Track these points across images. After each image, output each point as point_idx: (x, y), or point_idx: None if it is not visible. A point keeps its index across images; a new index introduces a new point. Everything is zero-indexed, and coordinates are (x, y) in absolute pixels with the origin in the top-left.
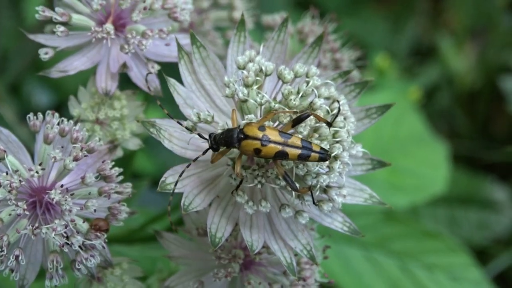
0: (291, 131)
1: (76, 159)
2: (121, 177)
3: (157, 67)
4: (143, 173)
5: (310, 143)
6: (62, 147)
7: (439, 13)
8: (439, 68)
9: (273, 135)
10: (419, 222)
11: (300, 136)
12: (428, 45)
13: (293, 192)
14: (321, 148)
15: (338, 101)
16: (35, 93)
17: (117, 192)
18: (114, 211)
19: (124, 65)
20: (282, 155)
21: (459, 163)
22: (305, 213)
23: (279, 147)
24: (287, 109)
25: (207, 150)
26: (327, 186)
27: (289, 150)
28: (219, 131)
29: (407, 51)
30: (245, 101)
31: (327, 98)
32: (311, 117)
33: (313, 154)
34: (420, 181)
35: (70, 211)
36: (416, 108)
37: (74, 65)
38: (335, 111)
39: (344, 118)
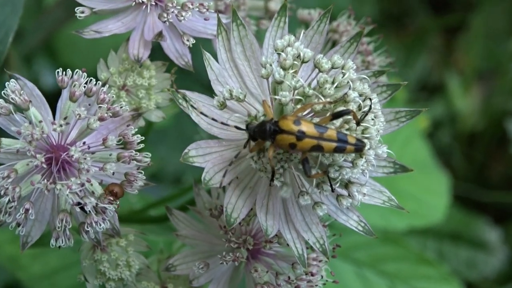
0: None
1: (101, 119)
2: (141, 145)
3: (192, 41)
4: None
5: (346, 135)
6: (89, 104)
7: (450, 51)
8: (444, 105)
9: (309, 129)
10: (414, 246)
11: (334, 127)
12: (436, 81)
13: (314, 180)
14: (357, 139)
15: (370, 99)
16: (43, 74)
17: (135, 160)
18: (131, 178)
19: (160, 34)
20: (318, 149)
21: (453, 201)
22: (324, 205)
23: (315, 141)
24: (321, 96)
25: (247, 141)
26: (349, 181)
27: (324, 143)
28: (255, 123)
29: (415, 85)
30: (281, 82)
31: (360, 94)
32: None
33: (348, 146)
34: (421, 206)
35: (88, 170)
36: (423, 136)
37: (109, 27)
38: (366, 108)
39: (375, 117)
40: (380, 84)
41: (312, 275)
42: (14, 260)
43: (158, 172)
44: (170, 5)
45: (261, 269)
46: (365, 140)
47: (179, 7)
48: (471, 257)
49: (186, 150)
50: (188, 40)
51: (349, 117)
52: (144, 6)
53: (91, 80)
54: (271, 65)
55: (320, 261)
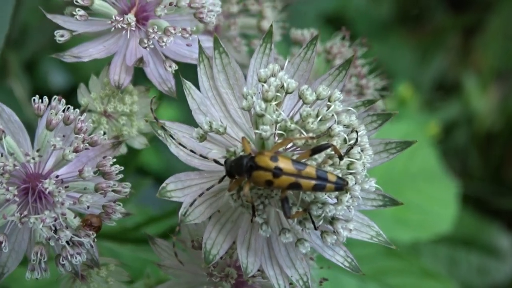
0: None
1: (76, 150)
2: (120, 176)
3: (174, 67)
4: (148, 168)
5: (326, 172)
6: (63, 136)
7: (468, 50)
8: (460, 105)
9: (286, 165)
10: (419, 260)
11: (315, 165)
12: (452, 81)
13: (294, 218)
14: (338, 177)
15: (356, 132)
16: (51, 72)
17: (114, 191)
18: (109, 210)
19: (141, 60)
20: (296, 187)
21: (467, 204)
22: (307, 242)
23: (293, 179)
24: (303, 131)
25: (223, 177)
26: (333, 217)
27: (303, 181)
28: (232, 158)
29: (431, 84)
30: (262, 116)
31: (346, 126)
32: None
33: (328, 185)
34: (427, 218)
35: (62, 203)
36: (432, 143)
37: (89, 51)
38: (352, 142)
39: (362, 150)
40: (370, 114)
41: None
42: None
43: (163, 174)
44: (151, 30)
45: None
46: (350, 176)
47: (160, 32)
48: (482, 263)
49: (163, 184)
50: (170, 66)
51: (332, 152)
52: (124, 31)
53: (68, 108)
54: (252, 96)
55: None
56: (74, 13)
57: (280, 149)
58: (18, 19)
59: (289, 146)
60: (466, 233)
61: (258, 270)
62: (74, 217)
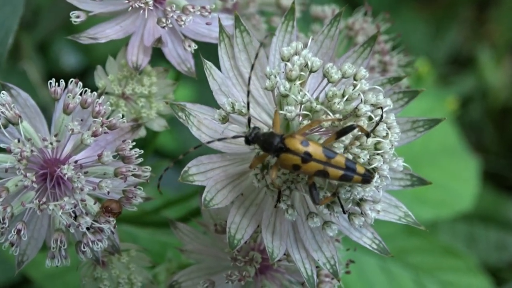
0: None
1: (95, 134)
2: (140, 159)
3: (194, 46)
4: (163, 150)
5: (355, 163)
6: (81, 120)
7: (482, 23)
8: (475, 79)
9: (316, 152)
10: (438, 237)
11: (342, 147)
12: (467, 54)
13: (323, 204)
14: (366, 170)
15: (381, 108)
16: (64, 53)
17: (134, 175)
18: (129, 195)
19: (159, 40)
20: (322, 174)
21: (484, 179)
22: (334, 225)
23: (321, 166)
24: (329, 112)
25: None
26: (361, 199)
27: (331, 170)
28: (263, 131)
29: (445, 58)
30: (286, 96)
31: (373, 105)
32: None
33: (356, 176)
34: (447, 195)
35: (81, 189)
36: (451, 119)
37: (106, 33)
38: (377, 118)
39: (388, 128)
40: (396, 91)
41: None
42: None
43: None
44: (169, 9)
45: (269, 287)
46: (377, 157)
47: (179, 11)
48: (500, 239)
49: (185, 168)
50: (189, 46)
51: (360, 133)
52: (142, 11)
53: (85, 91)
54: (275, 76)
55: (333, 278)
56: None
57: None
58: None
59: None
60: (484, 209)
61: (284, 254)
62: (94, 203)
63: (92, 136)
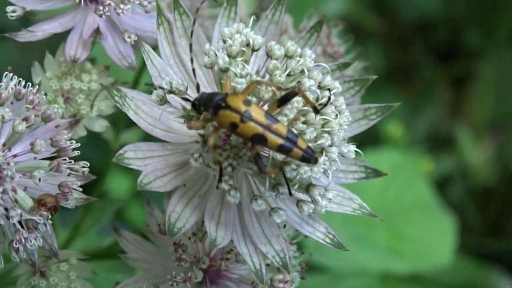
0: (276, 112)
1: (26, 119)
2: (77, 152)
3: (134, 37)
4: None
5: (297, 136)
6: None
7: (459, 102)
8: (454, 159)
9: (257, 114)
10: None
11: (285, 121)
12: (445, 134)
13: (267, 182)
14: (308, 147)
15: (329, 89)
16: None
17: (70, 168)
18: (65, 189)
19: (98, 31)
20: (260, 140)
21: (467, 256)
22: (281, 211)
23: (260, 129)
24: (271, 85)
25: (194, 109)
26: (310, 184)
27: (270, 136)
28: (206, 93)
29: (424, 138)
30: (226, 70)
31: (320, 87)
32: (299, 98)
33: (296, 149)
34: (424, 249)
35: (12, 178)
36: (426, 178)
37: (43, 27)
38: (324, 100)
39: (338, 112)
40: (347, 79)
41: None
42: None
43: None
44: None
45: None
46: (325, 135)
47: (117, 0)
48: None
49: (121, 151)
50: (129, 37)
51: (306, 108)
52: (82, 3)
53: (20, 81)
54: (215, 53)
55: (286, 282)
56: None
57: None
58: None
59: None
60: (467, 281)
61: (231, 250)
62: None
63: (23, 121)
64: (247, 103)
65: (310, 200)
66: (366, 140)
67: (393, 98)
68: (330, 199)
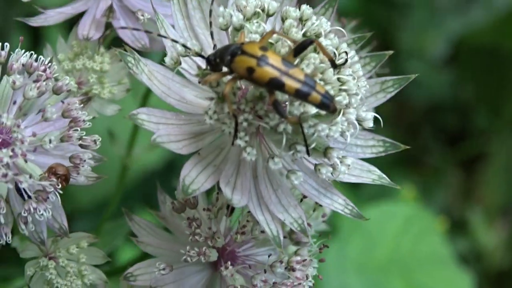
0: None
1: (38, 82)
2: (89, 124)
3: (147, 15)
4: None
5: (315, 82)
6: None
7: (470, 185)
8: (467, 241)
9: (274, 59)
10: None
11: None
12: (457, 216)
13: (284, 140)
14: (327, 92)
15: (346, 53)
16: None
17: (81, 139)
18: (76, 160)
19: (111, 9)
20: (277, 85)
21: None
22: (299, 172)
23: (277, 73)
24: (287, 39)
25: (207, 66)
26: (328, 147)
27: (287, 80)
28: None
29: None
30: (240, 28)
31: (335, 49)
32: (316, 56)
33: (314, 93)
34: None
35: (22, 142)
36: (439, 232)
37: (56, 10)
38: (342, 60)
39: (356, 77)
40: (362, 55)
41: (297, 278)
42: None
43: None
44: None
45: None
46: (343, 94)
47: None
48: None
49: (134, 112)
50: (142, 15)
51: (323, 65)
52: None
53: (31, 54)
54: (230, 13)
55: (304, 260)
56: None
57: None
58: None
59: None
60: None
61: (248, 221)
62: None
63: (36, 88)
64: (264, 49)
65: (329, 163)
66: (381, 194)
67: (404, 180)
68: (349, 165)
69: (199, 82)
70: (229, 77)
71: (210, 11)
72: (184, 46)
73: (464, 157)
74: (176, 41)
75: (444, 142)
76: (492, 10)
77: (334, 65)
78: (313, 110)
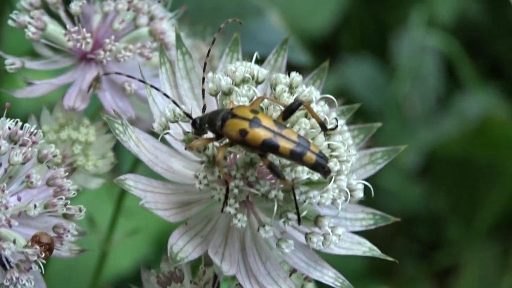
0: None
1: (23, 145)
2: (74, 193)
3: (134, 86)
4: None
5: (308, 142)
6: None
7: None
8: None
9: (266, 121)
10: None
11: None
12: None
13: (275, 208)
14: (321, 152)
15: (336, 119)
16: None
17: (66, 207)
18: (60, 230)
19: (97, 79)
20: (271, 146)
21: None
22: (290, 240)
23: (270, 134)
24: (278, 104)
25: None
26: (319, 215)
27: (281, 141)
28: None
29: None
30: (229, 93)
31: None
32: (307, 121)
33: (309, 153)
34: None
35: (6, 207)
36: None
37: (41, 82)
38: (332, 126)
39: (347, 144)
40: (351, 128)
41: None
42: None
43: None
44: (107, 41)
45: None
46: (334, 160)
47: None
48: None
49: (122, 177)
50: (129, 86)
51: (313, 130)
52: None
53: (17, 122)
54: (219, 78)
55: None
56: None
57: None
58: None
59: None
60: None
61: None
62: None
63: (20, 152)
64: (255, 111)
65: (320, 232)
66: None
67: None
68: (340, 235)
69: (185, 148)
70: (216, 143)
71: (205, 64)
72: (174, 103)
73: (437, 268)
74: (167, 96)
75: (418, 254)
76: (463, 121)
77: (325, 128)
78: (304, 175)
